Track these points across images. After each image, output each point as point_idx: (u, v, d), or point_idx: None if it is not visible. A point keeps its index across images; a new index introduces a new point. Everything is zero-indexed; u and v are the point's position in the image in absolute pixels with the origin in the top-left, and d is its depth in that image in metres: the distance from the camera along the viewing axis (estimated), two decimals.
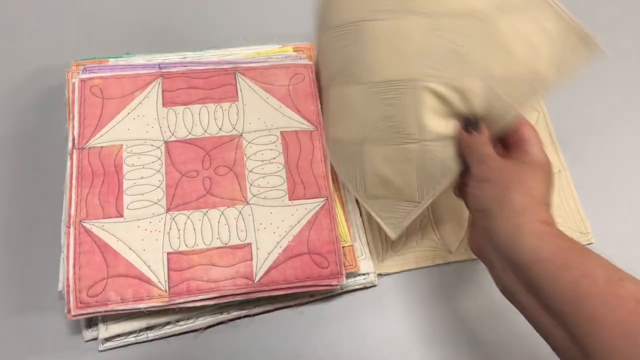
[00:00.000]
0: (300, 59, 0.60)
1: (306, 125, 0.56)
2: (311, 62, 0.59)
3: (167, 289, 0.48)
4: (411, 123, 0.45)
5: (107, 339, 0.50)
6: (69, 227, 0.49)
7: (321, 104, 0.56)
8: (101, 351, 0.50)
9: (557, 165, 0.61)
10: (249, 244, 0.51)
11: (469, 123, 0.44)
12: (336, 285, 0.51)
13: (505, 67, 0.43)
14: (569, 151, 0.62)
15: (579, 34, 0.44)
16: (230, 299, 0.49)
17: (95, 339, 0.50)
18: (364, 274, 0.54)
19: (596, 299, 0.34)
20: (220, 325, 0.52)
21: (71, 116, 0.54)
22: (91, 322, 0.50)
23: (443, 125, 0.45)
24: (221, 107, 0.56)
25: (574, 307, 0.34)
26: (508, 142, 0.46)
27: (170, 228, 0.50)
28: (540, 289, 0.36)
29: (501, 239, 0.39)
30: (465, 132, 0.44)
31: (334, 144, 0.53)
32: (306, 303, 0.53)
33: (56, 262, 0.51)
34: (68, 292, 0.47)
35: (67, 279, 0.48)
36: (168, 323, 0.50)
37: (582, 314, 0.34)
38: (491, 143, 0.44)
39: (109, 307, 0.47)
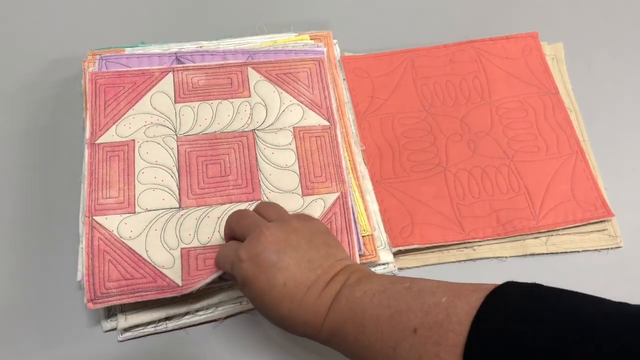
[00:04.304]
0: (318, 46, 0.59)
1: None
2: (324, 55, 0.58)
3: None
4: None
5: (126, 329, 0.49)
6: (88, 217, 0.49)
7: None
8: (120, 341, 0.50)
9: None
10: None
11: None
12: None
13: None
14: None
15: None
16: None
17: (115, 329, 0.50)
18: (383, 264, 0.53)
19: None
20: (239, 315, 0.51)
21: (84, 107, 0.54)
22: (110, 313, 0.50)
23: None
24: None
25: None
26: None
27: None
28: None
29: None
30: None
31: None
32: None
33: (76, 252, 0.50)
34: (87, 282, 0.47)
35: (87, 268, 0.47)
36: (187, 313, 0.50)
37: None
38: None
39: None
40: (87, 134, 0.52)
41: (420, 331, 0.34)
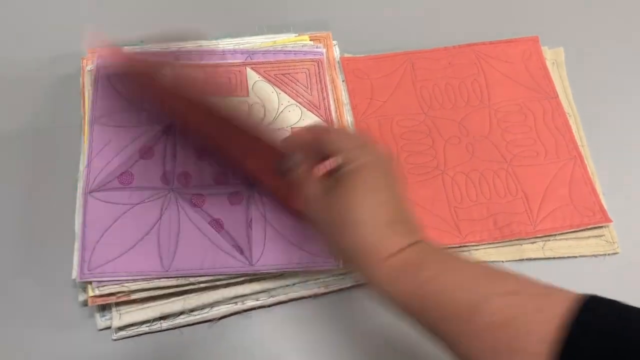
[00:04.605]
0: (317, 47, 0.59)
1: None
2: (323, 56, 0.58)
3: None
4: None
5: (121, 328, 0.49)
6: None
7: None
8: (115, 340, 0.50)
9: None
10: None
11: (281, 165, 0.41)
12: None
13: None
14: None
15: None
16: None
17: (109, 327, 0.50)
18: None
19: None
20: (234, 316, 0.51)
21: (82, 105, 0.55)
22: (104, 309, 0.50)
23: None
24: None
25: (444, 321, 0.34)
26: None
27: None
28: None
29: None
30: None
31: None
32: (322, 294, 0.52)
33: (71, 249, 0.50)
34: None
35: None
36: (182, 313, 0.50)
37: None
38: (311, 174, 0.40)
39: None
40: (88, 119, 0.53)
41: (523, 295, 0.32)
